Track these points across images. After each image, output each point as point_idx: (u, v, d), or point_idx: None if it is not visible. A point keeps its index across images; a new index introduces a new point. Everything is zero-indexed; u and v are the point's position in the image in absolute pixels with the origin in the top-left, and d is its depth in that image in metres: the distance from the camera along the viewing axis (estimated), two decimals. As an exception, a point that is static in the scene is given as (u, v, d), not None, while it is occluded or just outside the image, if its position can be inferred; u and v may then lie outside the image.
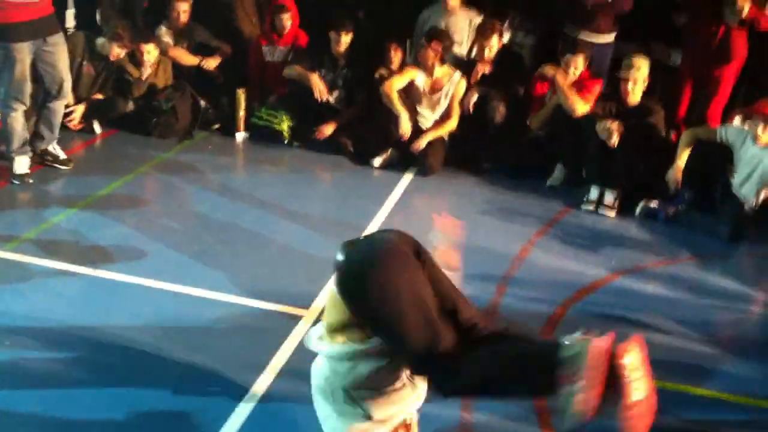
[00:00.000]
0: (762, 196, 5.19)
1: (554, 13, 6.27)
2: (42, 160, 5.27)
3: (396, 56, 6.18)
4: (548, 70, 5.81)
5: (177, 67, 6.46)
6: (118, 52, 5.92)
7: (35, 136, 5.21)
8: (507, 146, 5.93)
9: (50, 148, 5.29)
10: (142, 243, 4.32)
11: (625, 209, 5.42)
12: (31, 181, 5.01)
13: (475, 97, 5.99)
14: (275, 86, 6.47)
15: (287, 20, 6.42)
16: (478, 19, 6.28)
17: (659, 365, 3.54)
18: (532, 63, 6.28)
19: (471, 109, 5.99)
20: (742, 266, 4.97)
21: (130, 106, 6.11)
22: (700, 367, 3.62)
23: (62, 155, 5.33)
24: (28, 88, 4.92)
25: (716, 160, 5.35)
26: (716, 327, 4.09)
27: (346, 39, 6.15)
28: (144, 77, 6.15)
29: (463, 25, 6.34)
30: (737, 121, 5.45)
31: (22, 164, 5.03)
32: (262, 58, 6.54)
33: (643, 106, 5.59)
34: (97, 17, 6.68)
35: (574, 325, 3.80)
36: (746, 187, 5.20)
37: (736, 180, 5.25)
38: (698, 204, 5.40)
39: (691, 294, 4.35)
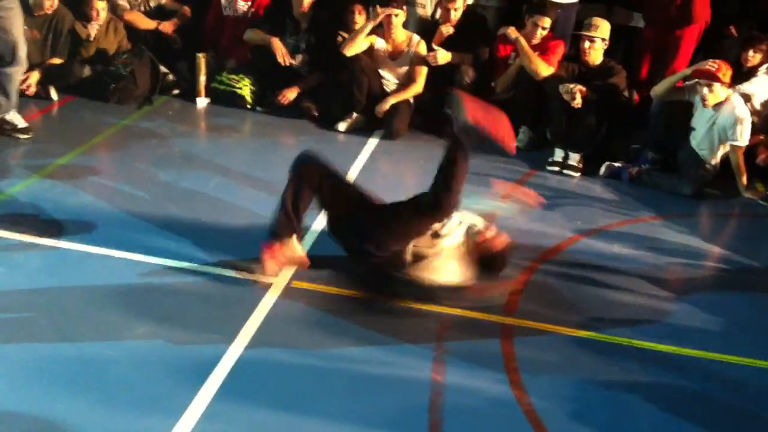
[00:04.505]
0: (719, 156, 5.28)
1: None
2: (0, 129, 5.12)
3: (360, 18, 6.09)
4: (511, 32, 5.78)
5: (134, 31, 6.31)
6: (49, 3, 5.73)
7: None
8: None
9: (8, 116, 5.13)
10: (103, 213, 4.24)
11: (589, 170, 5.47)
12: None
13: (447, 57, 5.85)
14: (233, 46, 6.35)
15: None
16: (442, -19, 6.21)
17: (624, 323, 3.65)
18: (496, 24, 6.25)
19: (438, 61, 5.86)
20: (703, 225, 5.07)
21: (87, 71, 5.96)
22: (664, 324, 3.70)
23: (21, 124, 5.17)
24: None
25: (678, 120, 5.42)
26: (679, 285, 4.17)
27: (308, 0, 6.05)
28: (92, 37, 6.01)
29: (426, -14, 6.29)
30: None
31: None
32: (221, 13, 6.41)
33: (605, 67, 5.63)
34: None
35: (541, 287, 3.90)
36: (705, 147, 5.28)
37: (695, 140, 5.33)
38: (661, 164, 5.48)
39: (655, 253, 4.42)
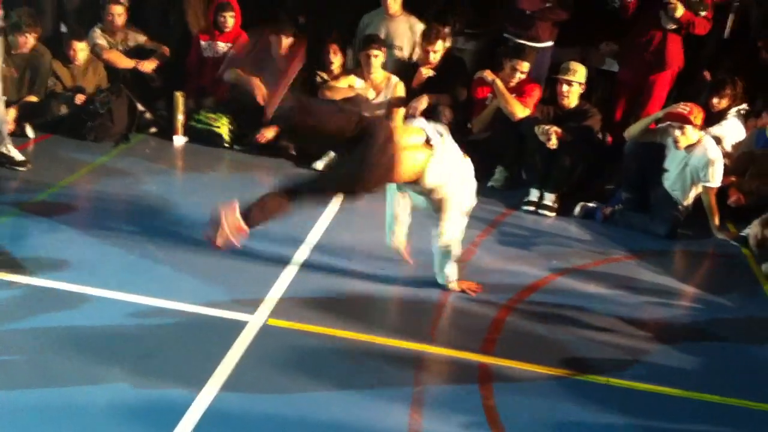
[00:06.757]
0: (692, 197, 5.36)
1: (495, 20, 6.38)
2: None
3: (336, 59, 6.17)
4: (487, 74, 5.88)
5: (112, 70, 6.33)
6: (23, 40, 5.78)
7: None
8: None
9: (3, 150, 5.19)
10: (81, 251, 4.21)
11: (564, 210, 5.53)
12: None
13: (424, 104, 5.98)
14: (212, 86, 6.40)
15: (230, 18, 6.39)
16: (418, 25, 6.33)
17: (602, 363, 3.67)
18: (473, 67, 6.35)
19: (418, 115, 5.97)
20: (676, 264, 5.13)
21: (64, 109, 5.95)
22: (641, 364, 3.72)
23: (18, 156, 5.24)
24: None
25: (651, 161, 5.51)
26: (652, 323, 4.20)
27: (286, 42, 6.11)
28: (73, 76, 6.06)
29: (404, 30, 6.38)
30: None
31: None
32: (202, 55, 6.47)
33: (581, 109, 5.73)
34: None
35: (518, 326, 3.92)
36: (677, 188, 5.36)
37: (668, 181, 5.41)
38: (634, 204, 5.55)
39: (629, 291, 4.46)
